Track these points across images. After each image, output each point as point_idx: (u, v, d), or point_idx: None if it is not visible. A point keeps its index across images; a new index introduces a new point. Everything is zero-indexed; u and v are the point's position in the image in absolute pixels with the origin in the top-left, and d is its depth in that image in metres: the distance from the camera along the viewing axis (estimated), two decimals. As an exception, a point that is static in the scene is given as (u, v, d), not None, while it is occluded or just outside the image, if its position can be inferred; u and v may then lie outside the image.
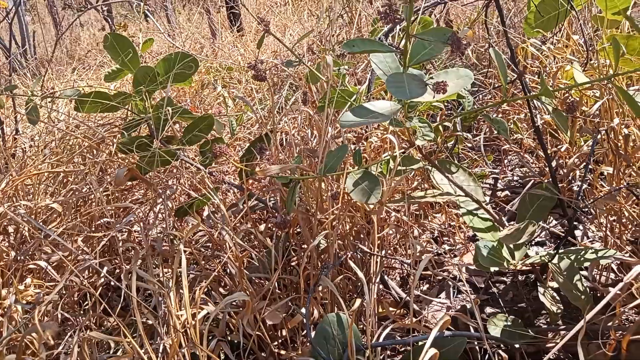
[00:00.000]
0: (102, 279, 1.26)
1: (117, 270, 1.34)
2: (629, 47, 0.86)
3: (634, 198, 1.01)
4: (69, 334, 1.13)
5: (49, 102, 1.56)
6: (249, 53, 2.72)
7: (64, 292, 1.23)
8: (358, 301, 0.79)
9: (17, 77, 3.43)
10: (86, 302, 1.26)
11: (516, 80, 1.32)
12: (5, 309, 1.02)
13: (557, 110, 0.83)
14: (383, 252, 1.14)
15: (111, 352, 1.09)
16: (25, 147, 1.71)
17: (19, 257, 1.19)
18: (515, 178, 1.63)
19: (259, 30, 0.92)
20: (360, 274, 0.81)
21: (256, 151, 0.87)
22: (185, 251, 1.17)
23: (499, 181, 1.62)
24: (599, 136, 1.00)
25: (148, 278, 0.88)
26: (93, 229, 1.35)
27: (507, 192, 1.57)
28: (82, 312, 1.24)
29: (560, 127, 0.83)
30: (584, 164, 1.04)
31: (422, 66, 1.44)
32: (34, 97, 1.27)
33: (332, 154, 0.87)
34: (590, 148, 0.97)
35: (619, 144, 0.97)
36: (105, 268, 1.28)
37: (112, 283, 1.32)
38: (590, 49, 1.11)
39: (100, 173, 1.46)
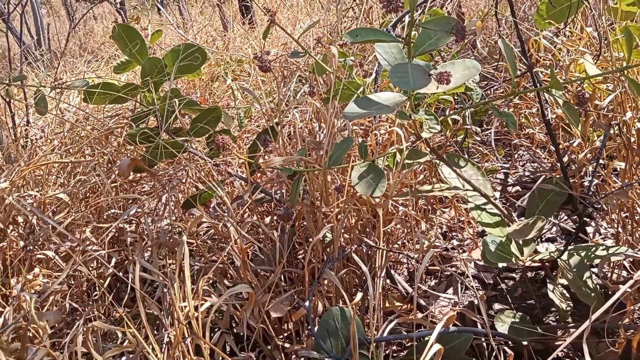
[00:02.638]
0: (110, 269, 1.27)
1: (127, 261, 1.35)
2: (644, 39, 0.83)
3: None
4: (77, 323, 1.14)
5: (57, 93, 1.57)
6: (259, 45, 2.71)
7: (72, 282, 1.24)
8: (359, 294, 0.78)
9: (31, 69, 3.46)
10: (95, 292, 1.27)
11: (527, 73, 1.29)
12: (14, 298, 1.03)
13: (568, 103, 0.81)
14: (389, 246, 1.13)
15: (118, 342, 1.10)
16: (36, 138, 1.72)
17: (27, 247, 1.20)
18: (527, 173, 1.61)
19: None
20: (364, 268, 0.80)
21: (260, 143, 0.86)
22: (190, 243, 1.17)
23: (510, 176, 1.60)
24: (611, 130, 0.97)
25: (152, 269, 0.88)
26: (102, 219, 1.36)
27: (517, 187, 1.55)
28: (90, 302, 1.25)
29: (571, 120, 0.81)
30: (595, 158, 1.02)
31: (431, 57, 1.42)
32: (43, 88, 1.27)
33: (336, 146, 0.86)
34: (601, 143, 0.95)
35: (632, 139, 0.95)
36: (113, 259, 1.28)
37: (120, 274, 1.33)
38: (604, 41, 1.08)
39: (109, 164, 1.46)
